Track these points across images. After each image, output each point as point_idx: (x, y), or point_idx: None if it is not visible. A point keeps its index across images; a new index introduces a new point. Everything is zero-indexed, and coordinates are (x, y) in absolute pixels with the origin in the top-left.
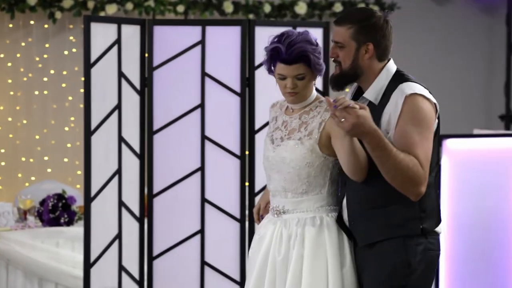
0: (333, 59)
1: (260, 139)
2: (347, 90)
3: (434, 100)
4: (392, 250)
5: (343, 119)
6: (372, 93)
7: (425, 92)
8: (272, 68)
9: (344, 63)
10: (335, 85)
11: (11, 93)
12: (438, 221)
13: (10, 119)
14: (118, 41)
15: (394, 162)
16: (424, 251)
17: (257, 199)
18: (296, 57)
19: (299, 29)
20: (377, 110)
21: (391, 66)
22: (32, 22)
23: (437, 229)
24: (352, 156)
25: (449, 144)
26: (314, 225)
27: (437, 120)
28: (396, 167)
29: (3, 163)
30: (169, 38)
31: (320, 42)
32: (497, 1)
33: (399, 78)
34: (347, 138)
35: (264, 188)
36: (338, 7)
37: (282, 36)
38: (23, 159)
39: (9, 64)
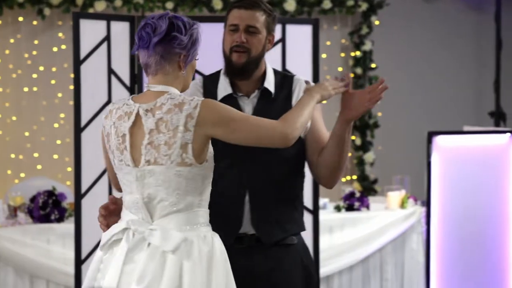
0: (237, 45)
1: None
2: None
3: None
4: (301, 245)
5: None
6: (271, 84)
7: None
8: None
9: (255, 50)
10: (243, 74)
11: (0, 89)
12: None
13: None
14: (107, 38)
15: (349, 147)
16: None
17: None
18: None
19: (288, 26)
20: (277, 101)
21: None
22: (20, 18)
23: None
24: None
25: (439, 141)
26: None
27: None
28: (347, 151)
29: None
30: None
31: (309, 39)
32: None
33: (278, 71)
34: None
35: None
36: (327, 4)
37: None
38: (13, 156)
39: None
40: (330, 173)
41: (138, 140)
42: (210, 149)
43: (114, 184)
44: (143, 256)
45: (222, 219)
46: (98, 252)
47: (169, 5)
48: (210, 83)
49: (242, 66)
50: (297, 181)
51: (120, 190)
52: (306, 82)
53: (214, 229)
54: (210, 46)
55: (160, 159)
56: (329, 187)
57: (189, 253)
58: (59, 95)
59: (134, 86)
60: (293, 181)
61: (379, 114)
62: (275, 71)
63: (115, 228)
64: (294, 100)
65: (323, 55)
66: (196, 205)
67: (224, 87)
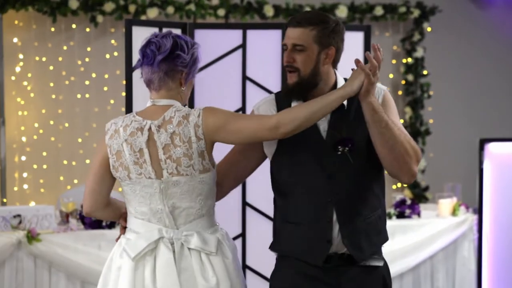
0: (287, 65)
1: None
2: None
3: None
4: (385, 264)
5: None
6: None
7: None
8: None
9: (303, 69)
10: (295, 95)
11: (53, 96)
12: None
13: (52, 122)
14: None
15: (393, 128)
16: None
17: None
18: None
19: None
20: (350, 113)
21: (337, 72)
22: (74, 25)
23: None
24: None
25: (491, 148)
26: None
27: None
28: (395, 133)
29: (45, 166)
30: (210, 42)
31: (361, 46)
32: None
33: None
34: None
35: None
36: (379, 11)
37: None
38: (65, 162)
39: (51, 68)
40: (388, 162)
41: (154, 154)
42: None
43: (92, 203)
44: (192, 263)
45: (308, 240)
46: (126, 263)
47: (221, 12)
48: (282, 99)
49: (292, 87)
50: (379, 187)
51: (95, 214)
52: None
53: (298, 250)
54: (261, 52)
55: (183, 170)
56: (401, 180)
57: (224, 252)
58: (111, 101)
59: None
60: (375, 188)
61: (431, 121)
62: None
63: (145, 238)
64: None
65: None
66: (213, 207)
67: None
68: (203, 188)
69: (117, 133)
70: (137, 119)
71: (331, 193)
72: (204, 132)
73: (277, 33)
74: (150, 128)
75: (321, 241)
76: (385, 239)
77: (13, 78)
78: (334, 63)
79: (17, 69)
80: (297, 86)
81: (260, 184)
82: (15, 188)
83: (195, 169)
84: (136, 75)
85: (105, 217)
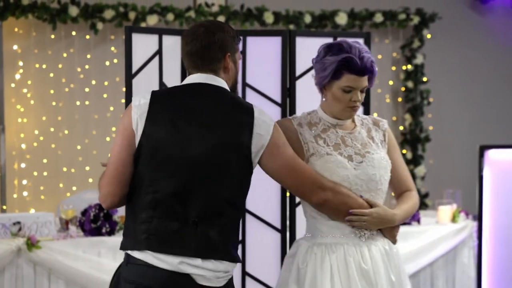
0: None
1: None
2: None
3: (138, 102)
4: None
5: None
6: None
7: (138, 96)
8: (330, 80)
9: None
10: None
11: (53, 103)
12: (136, 245)
13: (52, 129)
14: (159, 52)
15: None
16: (119, 274)
17: (298, 209)
18: (369, 68)
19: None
20: None
21: (186, 79)
22: (74, 33)
23: (139, 255)
24: None
25: (491, 155)
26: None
27: (139, 128)
28: None
29: (45, 173)
30: None
31: None
32: None
33: None
34: None
35: None
36: (378, 18)
37: (346, 46)
38: (65, 169)
39: (51, 75)
40: None
41: None
42: None
43: None
44: None
45: None
46: None
47: (221, 19)
48: None
49: None
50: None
51: None
52: None
53: None
54: (261, 59)
55: None
56: None
57: None
58: (111, 108)
59: None
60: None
61: (431, 128)
62: None
63: None
64: None
65: None
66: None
67: None
68: None
69: None
70: None
71: None
72: None
73: (277, 40)
74: None
75: None
76: None
77: (13, 85)
78: (187, 68)
79: (17, 76)
80: None
81: (260, 192)
82: (15, 195)
83: None
84: (136, 82)
85: None
